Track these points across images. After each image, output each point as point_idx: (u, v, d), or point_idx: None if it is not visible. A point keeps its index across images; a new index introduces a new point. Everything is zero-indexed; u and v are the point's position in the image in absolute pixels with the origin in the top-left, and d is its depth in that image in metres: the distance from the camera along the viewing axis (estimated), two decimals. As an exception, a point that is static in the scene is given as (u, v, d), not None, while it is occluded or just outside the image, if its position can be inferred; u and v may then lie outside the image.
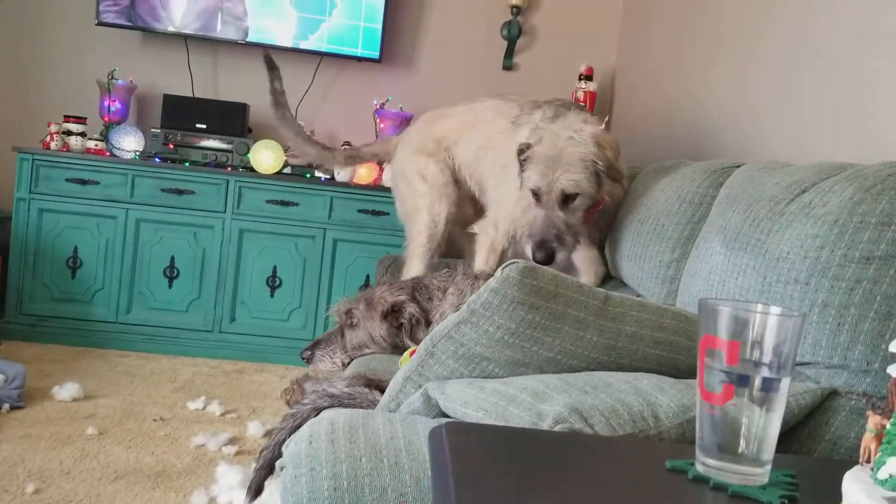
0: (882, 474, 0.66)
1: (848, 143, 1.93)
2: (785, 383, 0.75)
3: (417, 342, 2.03)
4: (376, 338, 2.07)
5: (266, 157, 3.69)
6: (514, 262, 1.10)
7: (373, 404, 1.55)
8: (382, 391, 1.60)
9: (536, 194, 2.24)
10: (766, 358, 0.75)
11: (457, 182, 2.81)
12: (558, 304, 1.11)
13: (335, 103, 4.12)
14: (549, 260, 2.17)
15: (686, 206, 1.92)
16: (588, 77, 3.95)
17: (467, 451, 0.80)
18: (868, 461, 0.71)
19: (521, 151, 2.29)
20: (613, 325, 1.16)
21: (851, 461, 0.89)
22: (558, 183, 2.18)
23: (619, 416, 0.96)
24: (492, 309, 1.11)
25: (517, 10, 4.10)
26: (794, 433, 1.11)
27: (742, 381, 0.75)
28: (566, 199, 2.20)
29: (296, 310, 3.70)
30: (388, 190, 3.68)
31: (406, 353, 1.90)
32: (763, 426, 0.75)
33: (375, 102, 3.96)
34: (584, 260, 2.50)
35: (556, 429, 0.92)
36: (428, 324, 2.03)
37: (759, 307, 0.77)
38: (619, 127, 4.07)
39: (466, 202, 2.87)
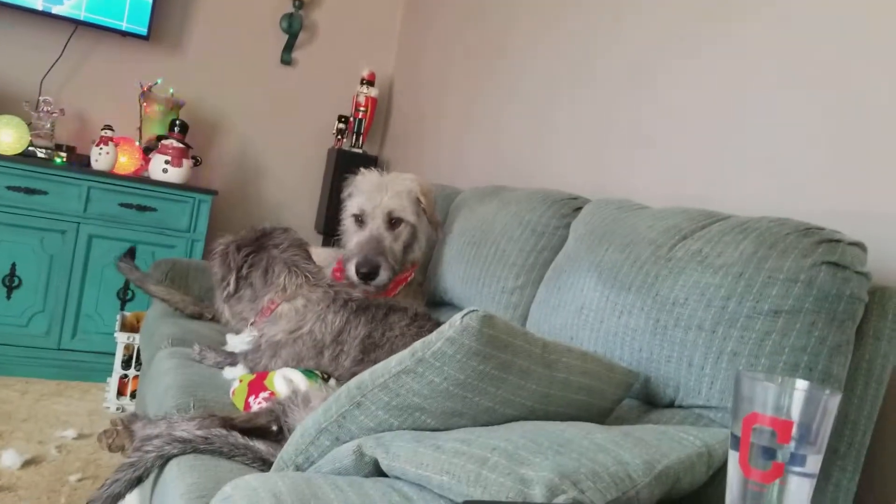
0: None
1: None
2: (820, 458, 0.77)
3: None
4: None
5: (5, 135, 3.16)
6: (473, 311, 1.02)
7: (235, 448, 1.38)
8: (242, 432, 1.43)
9: (360, 219, 2.22)
10: (811, 435, 0.76)
11: None
12: (508, 354, 1.06)
13: (90, 80, 3.65)
14: (372, 274, 2.13)
15: (529, 234, 1.94)
16: (370, 82, 3.89)
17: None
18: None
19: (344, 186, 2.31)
20: (549, 373, 1.13)
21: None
22: (384, 205, 2.18)
23: (601, 480, 0.92)
24: (444, 359, 1.02)
25: (300, 4, 3.93)
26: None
27: (793, 459, 0.75)
28: (392, 224, 2.19)
29: (38, 314, 3.21)
30: (154, 183, 3.34)
31: (241, 385, 1.71)
32: (801, 501, 0.76)
33: (141, 84, 3.57)
34: None
35: (559, 500, 0.87)
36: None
37: (801, 384, 0.78)
38: (394, 137, 4.08)
39: None
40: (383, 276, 2.14)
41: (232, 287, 1.98)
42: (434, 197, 2.33)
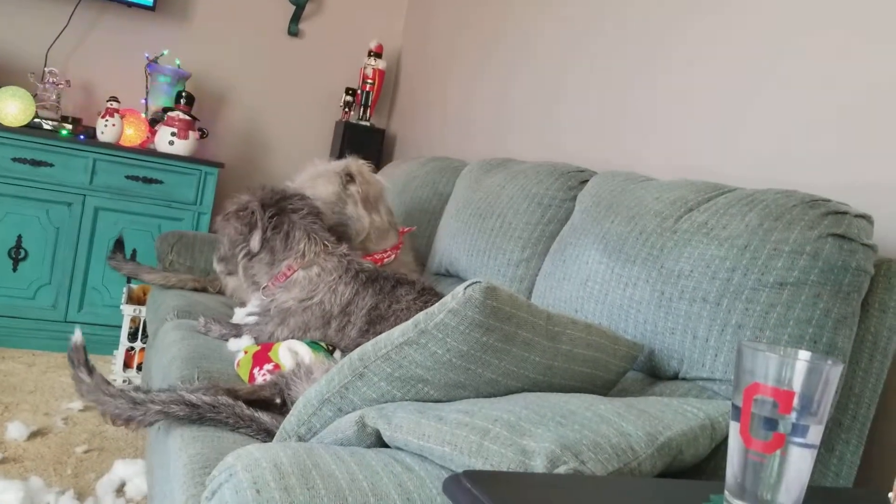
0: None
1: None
2: (821, 429, 0.77)
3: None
4: (226, 245, 2.03)
5: (11, 106, 3.15)
6: (476, 282, 1.02)
7: (241, 419, 1.38)
8: (246, 403, 1.44)
9: None
10: (812, 406, 0.75)
11: None
12: (511, 326, 1.05)
13: (96, 51, 3.63)
14: None
15: (535, 207, 1.94)
16: (378, 55, 3.86)
17: (509, 503, 0.72)
18: (905, 505, 0.75)
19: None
20: (553, 345, 1.12)
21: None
22: (293, 185, 2.20)
23: (603, 451, 0.92)
24: (447, 331, 1.02)
25: (306, -25, 3.89)
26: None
27: (794, 429, 0.75)
28: None
29: (44, 286, 3.22)
30: (160, 155, 3.33)
31: (246, 357, 1.72)
32: (802, 471, 0.76)
33: (147, 55, 3.55)
34: None
35: (560, 470, 0.87)
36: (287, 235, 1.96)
37: (803, 355, 0.77)
38: (402, 109, 4.05)
39: None
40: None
41: (256, 245, 1.94)
42: (379, 185, 2.27)
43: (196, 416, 1.36)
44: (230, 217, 1.98)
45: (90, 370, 1.42)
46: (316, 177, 2.20)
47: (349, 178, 2.20)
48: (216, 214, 3.35)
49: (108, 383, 1.39)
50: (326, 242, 1.94)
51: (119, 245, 2.68)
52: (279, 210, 1.96)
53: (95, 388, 1.38)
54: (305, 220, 1.97)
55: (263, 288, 1.97)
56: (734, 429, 0.78)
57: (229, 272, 2.06)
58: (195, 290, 2.44)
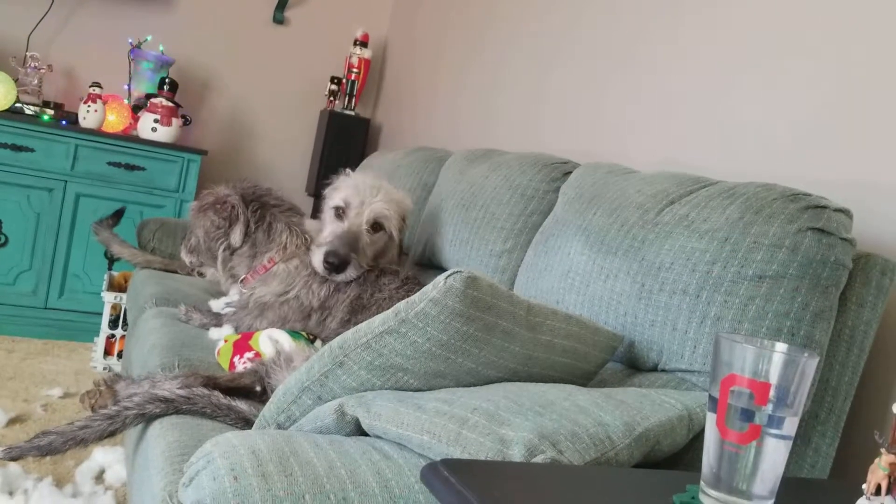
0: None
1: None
2: (797, 421, 0.78)
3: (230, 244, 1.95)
4: (201, 237, 1.99)
5: (-9, 90, 3.11)
6: (458, 272, 1.02)
7: (217, 408, 1.38)
8: (224, 391, 1.43)
9: (341, 211, 1.98)
10: (788, 398, 0.76)
11: None
12: (492, 316, 1.06)
13: (79, 36, 3.59)
14: (341, 267, 1.89)
15: (518, 198, 1.93)
16: (364, 44, 3.85)
17: (486, 491, 0.72)
18: (877, 494, 0.75)
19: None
20: (532, 335, 1.13)
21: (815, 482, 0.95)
22: (373, 205, 1.98)
23: (581, 441, 0.93)
24: (427, 320, 1.02)
25: (292, -38, 3.87)
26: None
27: (770, 421, 0.75)
28: (374, 227, 1.98)
29: (25, 272, 3.19)
30: (143, 142, 3.31)
31: (226, 345, 1.71)
32: (777, 463, 0.77)
33: (131, 41, 3.51)
34: None
35: (538, 460, 0.87)
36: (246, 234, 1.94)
37: (780, 347, 0.78)
38: (387, 99, 4.04)
39: None
40: (350, 273, 1.90)
41: (238, 240, 1.93)
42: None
43: (172, 409, 1.35)
44: (206, 209, 1.96)
45: (44, 433, 1.37)
46: (391, 201, 2.03)
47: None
48: (198, 202, 3.35)
49: (70, 422, 1.35)
50: (307, 235, 1.94)
51: (117, 215, 2.69)
52: (261, 205, 1.95)
53: (66, 435, 1.33)
54: (286, 213, 1.97)
55: (242, 280, 1.96)
56: (711, 420, 0.79)
57: (200, 263, 2.04)
58: (164, 269, 2.45)
